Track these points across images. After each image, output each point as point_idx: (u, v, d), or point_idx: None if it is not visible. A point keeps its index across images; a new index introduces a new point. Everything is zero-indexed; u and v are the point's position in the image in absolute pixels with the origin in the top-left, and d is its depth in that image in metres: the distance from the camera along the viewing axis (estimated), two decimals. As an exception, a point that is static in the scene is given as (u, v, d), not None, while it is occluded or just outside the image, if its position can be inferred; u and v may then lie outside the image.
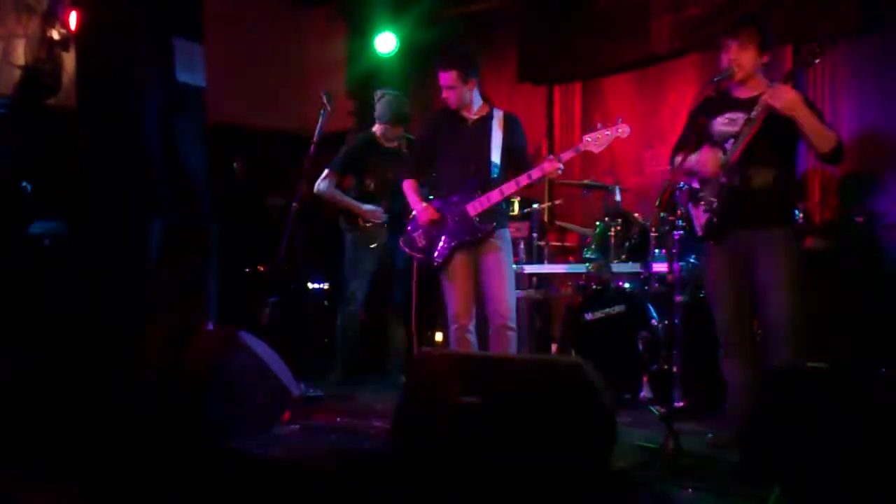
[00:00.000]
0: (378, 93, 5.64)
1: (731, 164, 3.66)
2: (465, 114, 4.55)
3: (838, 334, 4.65)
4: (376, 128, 5.59)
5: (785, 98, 3.48)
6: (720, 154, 3.68)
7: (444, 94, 4.50)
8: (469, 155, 4.49)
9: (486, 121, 4.53)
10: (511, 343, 4.39)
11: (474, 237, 4.43)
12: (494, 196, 4.39)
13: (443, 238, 4.48)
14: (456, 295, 4.46)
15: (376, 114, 5.58)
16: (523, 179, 4.35)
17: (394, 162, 5.45)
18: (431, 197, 4.63)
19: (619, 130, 4.31)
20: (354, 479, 3.27)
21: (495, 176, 4.44)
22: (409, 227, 4.64)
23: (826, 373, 2.86)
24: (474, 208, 4.41)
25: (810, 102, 3.70)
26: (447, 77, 4.45)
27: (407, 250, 4.63)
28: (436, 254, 4.48)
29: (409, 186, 4.65)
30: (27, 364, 4.79)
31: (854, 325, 4.66)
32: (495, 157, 4.45)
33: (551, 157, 4.39)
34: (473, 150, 4.48)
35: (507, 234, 4.55)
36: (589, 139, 4.33)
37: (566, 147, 6.45)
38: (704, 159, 3.71)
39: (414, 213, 4.61)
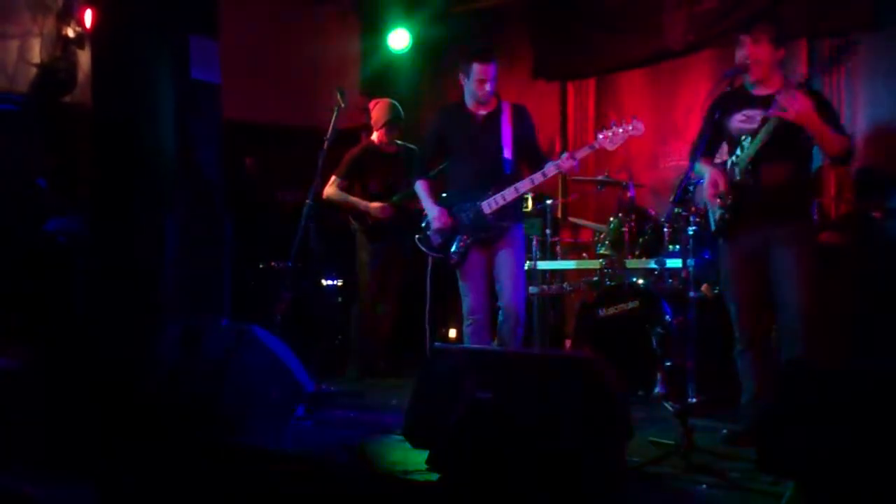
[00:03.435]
0: (371, 102, 5.94)
1: (746, 163, 3.65)
2: (474, 109, 4.54)
3: (854, 330, 4.62)
4: (375, 136, 5.84)
5: (795, 109, 3.47)
6: (724, 178, 3.72)
7: (484, 87, 4.42)
8: (481, 151, 4.48)
9: (495, 115, 4.52)
10: (519, 338, 4.40)
11: (489, 234, 4.43)
12: (509, 194, 4.39)
13: (458, 236, 4.48)
14: (471, 291, 4.46)
15: (373, 121, 5.84)
16: (538, 177, 4.37)
17: (394, 165, 5.74)
18: (445, 194, 4.63)
19: (633, 128, 4.30)
20: (367, 474, 3.28)
21: (508, 172, 4.44)
22: (423, 226, 4.64)
23: (842, 369, 2.84)
24: (489, 206, 4.41)
25: (824, 102, 3.68)
26: (494, 69, 4.44)
27: (423, 249, 4.64)
28: (451, 252, 4.48)
29: (421, 187, 4.63)
30: (43, 360, 4.83)
31: (870, 320, 4.63)
32: (507, 152, 4.44)
33: (566, 154, 4.40)
34: (485, 147, 4.47)
35: (520, 230, 4.55)
36: (603, 137, 4.33)
37: (580, 143, 6.47)
38: (711, 183, 3.75)
39: (428, 214, 4.61)
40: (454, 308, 5.19)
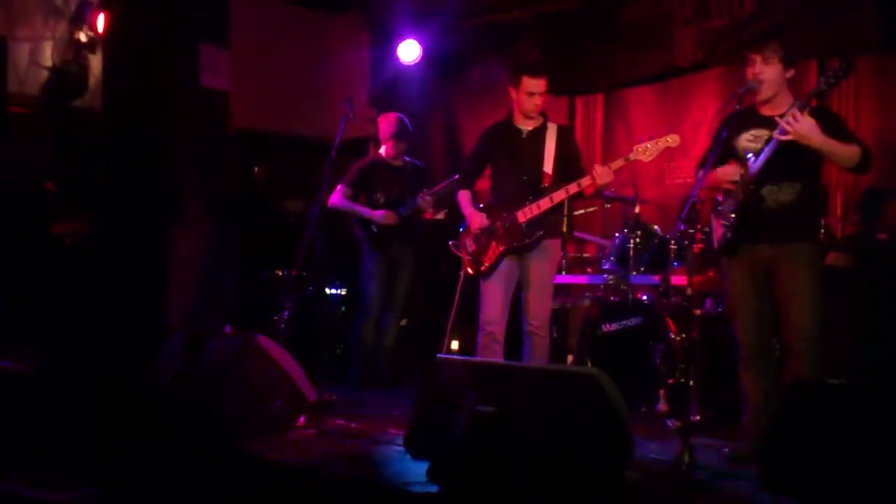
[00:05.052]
0: (379, 116, 5.98)
1: (748, 181, 3.64)
2: (520, 126, 4.58)
3: (858, 350, 4.61)
4: (382, 149, 5.88)
5: (797, 131, 3.46)
6: (741, 170, 3.68)
7: (532, 100, 4.45)
8: (522, 165, 4.52)
9: (539, 132, 4.56)
10: (543, 350, 4.41)
11: (522, 243, 4.45)
12: (544, 203, 4.42)
13: (492, 244, 4.51)
14: (492, 300, 4.49)
15: (380, 134, 5.87)
16: (572, 187, 4.40)
17: (400, 179, 5.78)
18: (482, 205, 4.68)
19: (670, 140, 4.34)
20: (368, 485, 3.27)
21: (547, 185, 4.46)
22: (460, 231, 4.69)
23: (846, 388, 2.84)
24: (524, 215, 4.44)
25: (832, 117, 3.67)
26: (543, 84, 4.47)
27: (457, 252, 4.68)
28: (484, 258, 4.51)
29: (461, 196, 4.71)
30: (47, 364, 4.84)
31: (874, 341, 4.61)
32: (547, 167, 4.48)
33: (601, 166, 4.39)
34: (526, 160, 4.51)
35: (555, 245, 4.58)
36: (640, 148, 4.35)
37: (587, 158, 6.46)
38: (726, 173, 3.72)
39: (466, 219, 4.65)
40: (458, 320, 5.19)
